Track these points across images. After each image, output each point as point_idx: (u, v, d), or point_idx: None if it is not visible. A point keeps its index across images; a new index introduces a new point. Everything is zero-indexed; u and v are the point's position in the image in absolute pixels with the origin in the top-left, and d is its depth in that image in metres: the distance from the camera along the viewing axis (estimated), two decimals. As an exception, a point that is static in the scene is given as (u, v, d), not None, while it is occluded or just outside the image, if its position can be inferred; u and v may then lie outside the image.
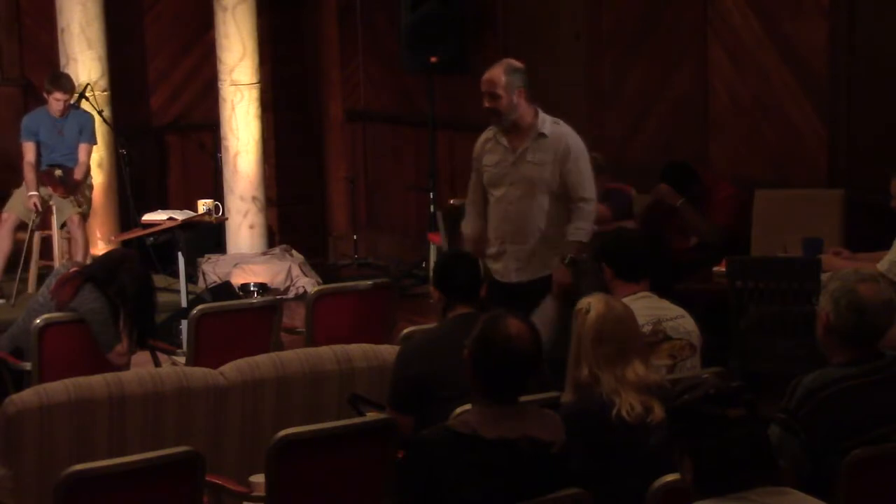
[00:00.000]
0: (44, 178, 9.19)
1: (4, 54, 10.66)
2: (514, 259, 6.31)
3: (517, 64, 6.27)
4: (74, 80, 9.63)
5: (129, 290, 6.10)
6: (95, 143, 9.49)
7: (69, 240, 9.41)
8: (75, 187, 9.18)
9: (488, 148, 6.36)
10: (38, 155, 9.32)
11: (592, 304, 4.28)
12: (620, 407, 4.07)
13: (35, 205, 9.10)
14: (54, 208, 9.17)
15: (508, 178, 6.29)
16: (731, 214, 7.46)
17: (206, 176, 10.98)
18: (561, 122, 6.35)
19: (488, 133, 6.38)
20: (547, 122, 6.28)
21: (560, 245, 6.23)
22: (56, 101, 9.24)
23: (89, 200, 9.50)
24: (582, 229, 6.25)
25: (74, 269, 6.30)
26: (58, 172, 9.15)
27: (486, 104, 6.23)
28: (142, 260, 6.57)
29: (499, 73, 6.19)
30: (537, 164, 6.25)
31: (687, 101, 8.33)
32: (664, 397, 3.97)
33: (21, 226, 9.29)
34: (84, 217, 9.31)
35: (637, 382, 4.12)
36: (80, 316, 6.03)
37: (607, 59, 8.87)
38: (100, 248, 9.47)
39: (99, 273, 6.16)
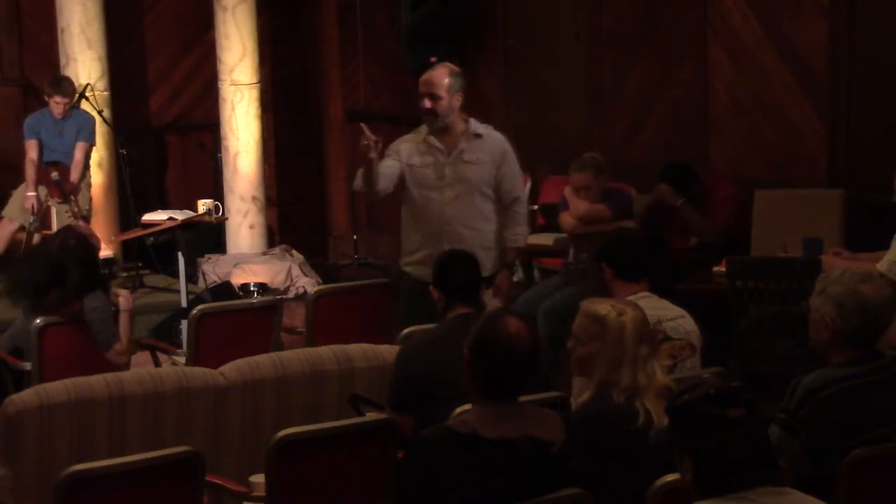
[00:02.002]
0: (42, 175, 9.20)
1: (4, 54, 10.66)
2: None
3: (457, 69, 6.33)
4: (74, 80, 9.64)
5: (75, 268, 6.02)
6: (93, 142, 9.50)
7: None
8: (71, 192, 9.16)
9: (421, 150, 6.29)
10: (40, 153, 9.35)
11: (617, 307, 4.27)
12: (644, 412, 4.08)
13: (32, 206, 9.11)
14: (53, 211, 9.18)
15: (444, 179, 6.26)
16: (731, 214, 7.46)
17: (206, 176, 10.98)
18: (490, 127, 6.42)
19: (416, 136, 6.31)
20: (479, 125, 6.35)
21: (492, 246, 6.27)
22: (56, 104, 9.27)
23: (89, 200, 9.50)
24: (521, 235, 6.44)
25: None
26: (54, 175, 9.15)
27: (426, 104, 6.22)
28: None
29: (442, 75, 6.23)
30: (475, 163, 6.28)
31: (687, 101, 8.33)
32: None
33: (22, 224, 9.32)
34: (86, 220, 9.32)
35: (659, 384, 4.15)
36: (81, 315, 6.02)
37: (607, 59, 8.87)
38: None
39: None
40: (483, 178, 6.30)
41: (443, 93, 6.20)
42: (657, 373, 4.21)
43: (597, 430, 4.09)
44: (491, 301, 6.15)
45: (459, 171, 6.26)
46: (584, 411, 4.20)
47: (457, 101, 6.25)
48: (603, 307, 4.28)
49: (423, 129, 6.33)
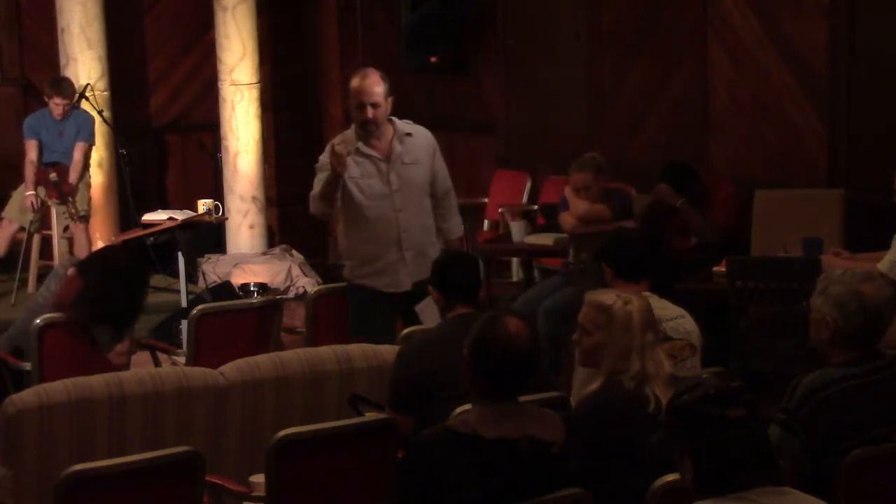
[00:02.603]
0: (40, 175, 9.19)
1: (4, 54, 10.66)
2: (412, 264, 6.19)
3: (382, 72, 6.22)
4: (74, 80, 9.64)
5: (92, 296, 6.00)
6: (93, 142, 9.50)
7: (70, 240, 9.42)
8: (69, 193, 9.16)
9: (357, 160, 6.12)
10: (40, 154, 9.35)
11: (623, 297, 4.29)
12: (655, 399, 4.09)
13: (32, 204, 9.11)
14: (53, 211, 9.18)
15: (391, 185, 6.16)
16: (731, 214, 7.46)
17: (206, 176, 10.99)
18: (411, 122, 6.33)
19: (344, 148, 6.04)
20: (404, 123, 6.27)
21: (434, 241, 6.28)
22: (56, 105, 9.27)
23: (89, 200, 9.51)
24: (460, 224, 6.49)
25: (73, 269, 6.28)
26: (52, 176, 9.15)
27: (368, 114, 6.08)
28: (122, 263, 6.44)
29: (376, 82, 6.10)
30: (415, 164, 6.23)
31: (687, 101, 8.33)
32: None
33: (21, 226, 9.32)
34: (85, 219, 9.32)
35: (666, 372, 4.17)
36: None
37: (607, 59, 8.87)
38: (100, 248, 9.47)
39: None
40: (424, 177, 6.26)
41: (381, 100, 6.10)
42: (664, 361, 4.22)
43: (607, 420, 4.09)
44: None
45: (403, 174, 6.18)
46: (593, 400, 4.20)
47: (389, 105, 6.16)
48: (609, 297, 4.30)
49: (350, 135, 6.18)
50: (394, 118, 6.24)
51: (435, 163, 6.32)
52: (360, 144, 6.15)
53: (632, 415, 4.09)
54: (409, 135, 6.24)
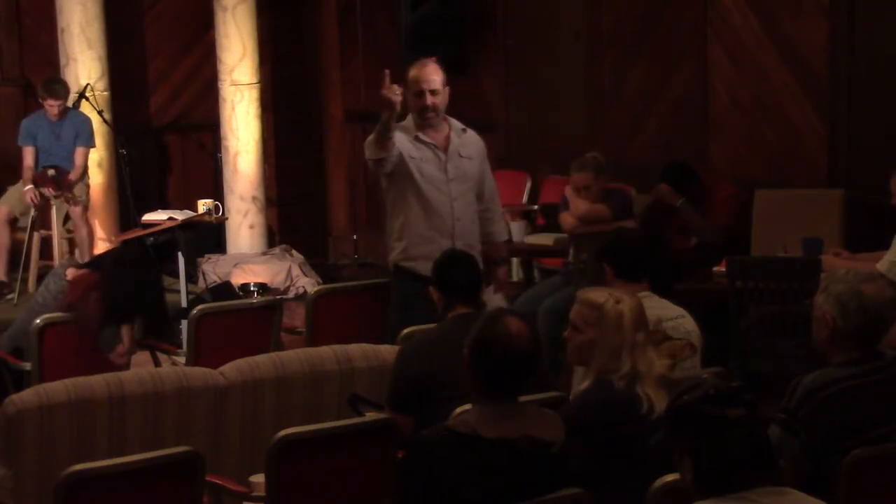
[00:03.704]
0: (38, 179, 9.18)
1: (4, 54, 10.66)
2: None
3: None
4: (74, 80, 9.64)
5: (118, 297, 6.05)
6: (93, 145, 9.49)
7: (70, 239, 9.41)
8: (67, 187, 9.16)
9: (416, 145, 6.17)
10: (36, 159, 9.34)
11: (615, 295, 4.29)
12: (647, 399, 4.09)
13: (32, 198, 9.09)
14: (53, 208, 9.18)
15: (447, 174, 6.19)
16: (731, 214, 7.47)
17: (206, 176, 10.98)
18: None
19: (404, 131, 6.13)
20: (456, 121, 6.31)
21: (478, 243, 6.26)
22: (50, 106, 9.26)
23: (87, 192, 9.50)
24: (504, 230, 6.60)
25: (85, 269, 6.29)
26: (51, 172, 9.15)
27: (428, 101, 6.13)
28: (140, 261, 6.52)
29: (435, 70, 6.16)
30: (469, 159, 6.28)
31: (687, 101, 8.33)
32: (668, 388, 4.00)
33: (21, 226, 9.30)
34: (85, 208, 9.32)
35: (657, 372, 4.16)
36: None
37: (607, 59, 8.87)
38: (99, 247, 9.47)
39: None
40: (476, 174, 6.30)
41: (440, 87, 6.16)
42: (655, 361, 4.21)
43: (600, 419, 4.08)
44: (491, 297, 6.15)
45: (459, 167, 6.23)
46: (584, 399, 4.20)
47: (447, 95, 6.21)
48: (600, 295, 4.29)
49: (409, 125, 6.23)
50: (448, 116, 6.28)
51: (483, 164, 6.36)
52: (419, 133, 6.18)
53: (625, 414, 4.09)
54: (464, 130, 6.30)
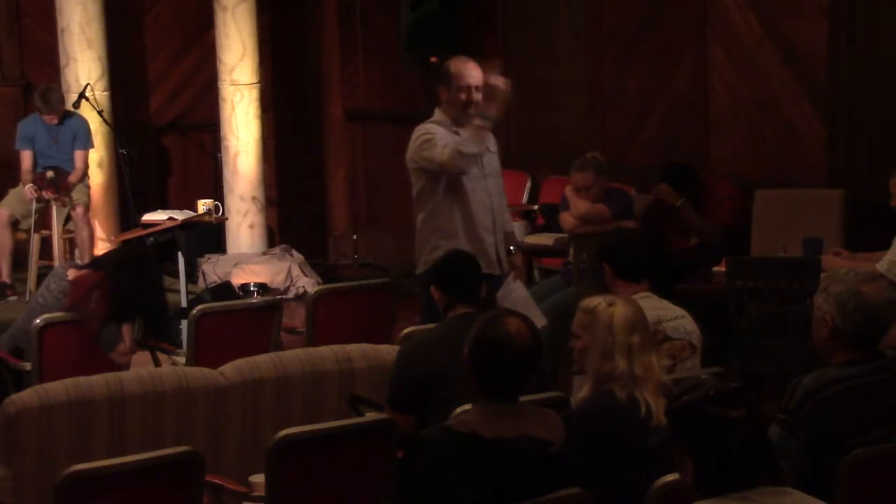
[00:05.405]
0: (37, 181, 9.18)
1: (4, 54, 10.65)
2: (502, 248, 6.33)
3: None
4: (74, 80, 9.65)
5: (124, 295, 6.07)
6: (91, 146, 9.49)
7: (70, 240, 9.41)
8: (66, 189, 9.16)
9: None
10: (34, 163, 9.34)
11: (608, 299, 4.30)
12: (645, 404, 4.09)
13: (31, 193, 9.08)
14: (53, 210, 9.17)
15: (483, 169, 6.23)
16: (730, 214, 7.47)
17: (206, 176, 10.98)
18: None
19: (442, 127, 6.15)
20: None
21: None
22: (49, 119, 9.28)
23: (88, 192, 9.50)
24: (511, 220, 6.64)
25: (87, 269, 6.28)
26: (49, 174, 9.15)
27: (474, 96, 6.15)
28: (145, 261, 6.52)
29: (475, 66, 6.19)
30: (494, 153, 6.35)
31: (687, 101, 8.33)
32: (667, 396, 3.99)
33: (23, 228, 9.30)
34: (87, 209, 9.32)
35: (657, 376, 4.16)
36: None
37: (607, 59, 8.87)
38: (100, 247, 9.47)
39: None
40: (499, 168, 6.40)
41: (481, 84, 6.18)
42: (656, 367, 4.22)
43: (598, 427, 4.09)
44: (511, 285, 6.19)
45: (490, 162, 6.28)
46: (584, 407, 4.20)
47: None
48: (595, 300, 4.33)
49: (443, 120, 6.23)
50: None
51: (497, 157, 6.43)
52: (454, 128, 6.18)
53: (624, 421, 4.09)
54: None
